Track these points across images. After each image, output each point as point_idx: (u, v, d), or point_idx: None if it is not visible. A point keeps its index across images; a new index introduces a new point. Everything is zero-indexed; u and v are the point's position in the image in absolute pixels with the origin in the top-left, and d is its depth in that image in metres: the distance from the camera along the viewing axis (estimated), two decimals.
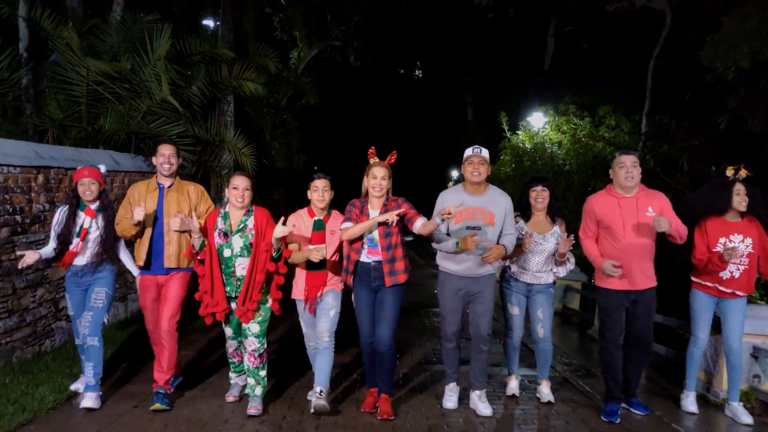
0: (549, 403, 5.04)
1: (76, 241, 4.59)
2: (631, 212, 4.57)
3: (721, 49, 11.81)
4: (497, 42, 24.98)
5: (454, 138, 25.04)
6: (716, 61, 12.02)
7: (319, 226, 4.55)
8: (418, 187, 24.51)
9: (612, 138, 15.99)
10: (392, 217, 4.18)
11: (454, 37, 24.83)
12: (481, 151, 4.61)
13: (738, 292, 4.74)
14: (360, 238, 4.40)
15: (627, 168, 4.60)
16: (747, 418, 4.67)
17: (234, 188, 4.50)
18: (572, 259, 5.03)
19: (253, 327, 4.58)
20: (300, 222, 4.60)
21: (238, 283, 4.51)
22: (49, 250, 4.62)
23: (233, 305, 4.56)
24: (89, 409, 4.51)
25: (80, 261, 4.65)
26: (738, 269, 4.72)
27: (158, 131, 8.00)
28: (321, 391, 4.53)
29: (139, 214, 4.46)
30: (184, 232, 4.65)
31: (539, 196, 4.96)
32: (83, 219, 4.61)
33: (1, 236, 5.34)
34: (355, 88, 20.79)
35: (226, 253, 4.49)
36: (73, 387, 4.90)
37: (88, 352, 4.55)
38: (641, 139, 16.50)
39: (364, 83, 21.49)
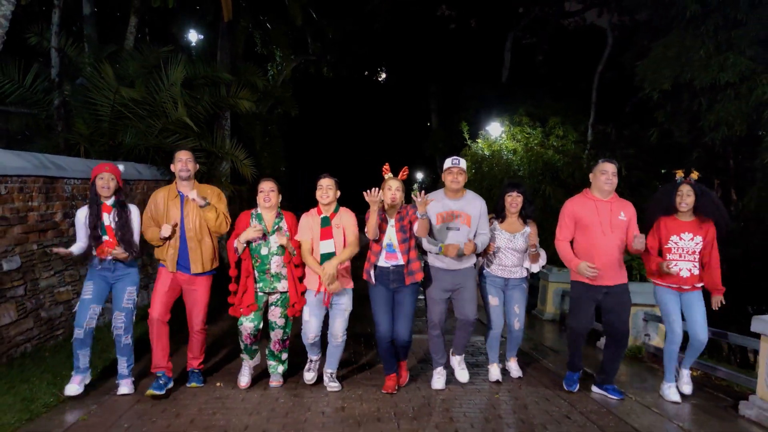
0: (519, 377, 5.65)
1: (105, 238, 4.70)
2: (606, 215, 4.89)
3: (649, 73, 13.82)
4: (459, 54, 26.70)
5: (420, 143, 26.63)
6: (645, 83, 14.00)
7: (326, 222, 4.85)
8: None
9: (560, 146, 17.83)
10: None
11: (420, 47, 26.42)
12: (459, 162, 5.03)
13: (697, 285, 5.06)
14: (379, 242, 4.87)
15: (608, 175, 4.91)
16: (687, 389, 5.24)
17: (261, 191, 4.93)
18: (544, 255, 5.48)
19: (279, 321, 5.05)
20: (311, 220, 4.93)
21: (272, 279, 4.93)
22: (79, 247, 4.75)
23: (260, 294, 4.97)
24: (124, 395, 4.84)
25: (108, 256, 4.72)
26: (695, 266, 5.03)
27: (174, 146, 9.42)
28: (332, 374, 5.17)
29: (166, 231, 4.75)
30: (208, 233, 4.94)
31: (513, 201, 5.38)
32: (102, 216, 4.72)
33: (70, 234, 6.77)
34: (327, 96, 22.24)
35: (263, 251, 4.89)
36: (69, 392, 4.74)
37: (124, 350, 4.83)
38: (586, 148, 18.43)
39: (336, 92, 22.95)
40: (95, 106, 9.43)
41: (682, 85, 13.43)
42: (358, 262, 4.99)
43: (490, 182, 17.03)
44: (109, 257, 4.68)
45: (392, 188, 4.79)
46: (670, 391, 5.14)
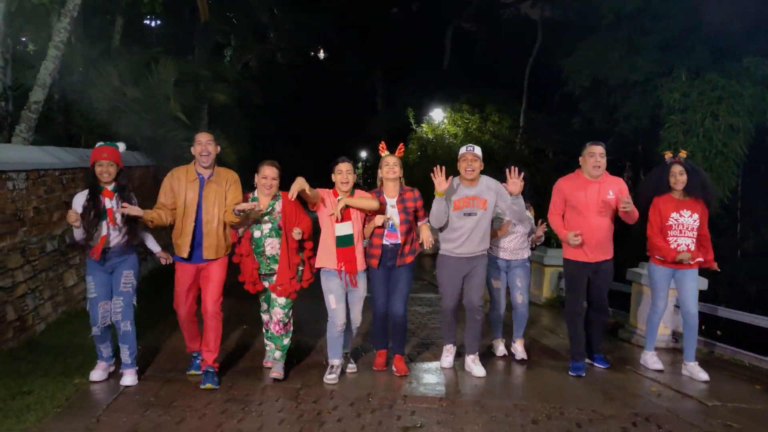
0: (522, 360, 5.57)
1: (104, 223, 4.47)
2: (594, 195, 5.04)
3: (573, 72, 15.89)
4: (403, 40, 28.20)
5: (367, 125, 28.10)
6: (569, 79, 16.08)
7: (343, 206, 4.73)
8: (329, 165, 27.38)
9: (496, 132, 19.84)
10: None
11: (364, 31, 27.73)
12: (474, 149, 5.00)
13: (692, 262, 5.19)
14: (381, 224, 4.84)
15: (596, 157, 5.03)
16: (704, 375, 5.12)
17: (263, 177, 4.73)
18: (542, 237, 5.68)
19: (280, 299, 4.82)
20: (329, 198, 4.79)
21: (268, 261, 4.82)
22: (79, 233, 4.50)
23: (265, 283, 4.88)
24: (128, 387, 4.54)
25: (106, 244, 4.50)
26: (692, 242, 5.17)
27: (166, 137, 10.78)
28: (347, 354, 5.13)
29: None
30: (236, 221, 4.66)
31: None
32: (104, 201, 4.48)
33: None
34: (282, 81, 23.43)
35: (256, 234, 4.78)
36: (93, 377, 4.65)
37: (124, 337, 4.59)
38: (519, 133, 20.52)
39: (290, 77, 24.15)
40: (93, 101, 10.63)
41: (600, 81, 15.59)
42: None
43: (434, 164, 18.86)
44: (118, 218, 4.48)
45: (390, 164, 4.89)
46: (652, 360, 5.41)
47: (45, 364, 4.92)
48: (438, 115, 21.05)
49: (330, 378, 4.78)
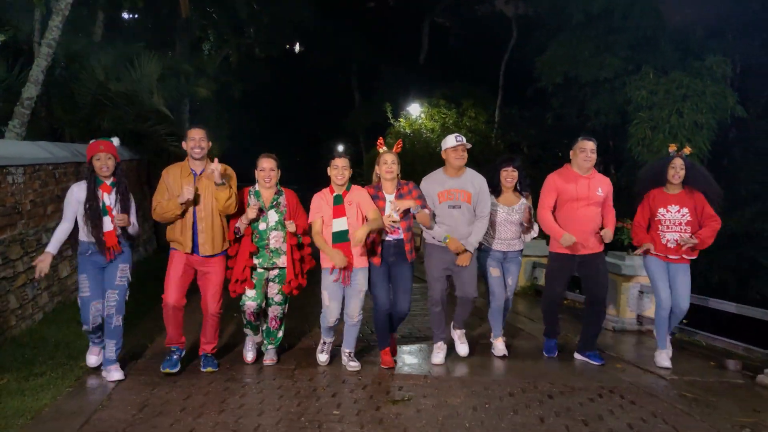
0: (504, 356, 5.44)
1: (106, 219, 4.41)
2: (584, 190, 5.14)
3: (545, 69, 16.40)
4: (379, 34, 28.46)
5: (343, 118, 28.33)
6: (542, 76, 16.59)
7: (338, 200, 4.75)
8: (308, 159, 27.92)
9: (473, 126, 20.27)
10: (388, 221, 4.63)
11: (341, 24, 27.92)
12: (464, 140, 5.06)
13: (684, 256, 5.21)
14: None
15: (587, 152, 5.13)
16: (666, 363, 5.25)
17: (261, 170, 4.76)
18: (536, 227, 5.48)
19: (277, 297, 4.95)
20: (323, 199, 4.81)
21: (271, 255, 4.82)
22: (60, 236, 4.50)
23: (259, 270, 4.84)
24: (119, 381, 4.47)
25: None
26: (681, 237, 5.15)
27: (150, 130, 10.95)
28: (350, 353, 5.01)
29: (189, 193, 4.42)
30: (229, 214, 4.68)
31: (509, 176, 5.34)
32: (102, 196, 4.42)
33: None
34: (260, 75, 23.60)
35: (261, 226, 4.77)
36: (90, 363, 4.75)
37: (114, 332, 4.49)
38: (494, 128, 21.00)
39: (267, 71, 24.33)
40: (75, 95, 10.76)
41: (572, 78, 16.12)
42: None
43: (412, 158, 19.28)
44: (116, 215, 4.43)
45: (388, 162, 4.82)
46: (661, 357, 5.31)
47: (48, 349, 5.17)
48: (415, 109, 21.42)
49: (322, 359, 5.04)
